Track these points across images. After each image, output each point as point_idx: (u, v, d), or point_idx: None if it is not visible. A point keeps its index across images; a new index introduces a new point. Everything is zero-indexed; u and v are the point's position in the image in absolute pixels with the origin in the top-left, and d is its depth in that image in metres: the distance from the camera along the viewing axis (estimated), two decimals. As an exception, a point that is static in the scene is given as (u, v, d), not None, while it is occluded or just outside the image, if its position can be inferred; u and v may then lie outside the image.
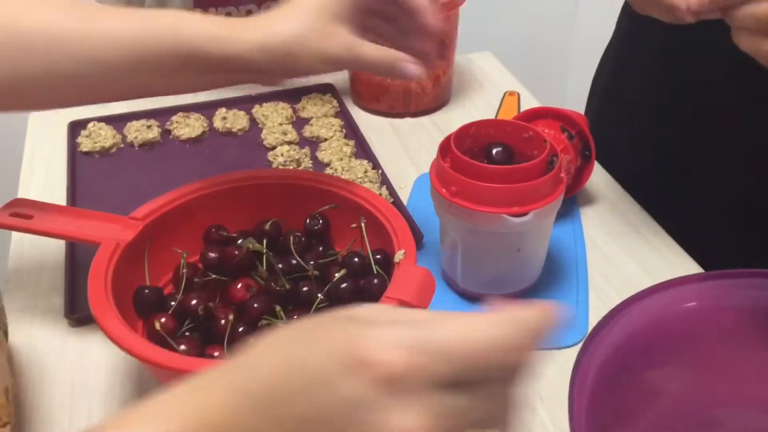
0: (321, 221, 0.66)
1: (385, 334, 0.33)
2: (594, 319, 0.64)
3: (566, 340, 0.64)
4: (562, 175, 0.64)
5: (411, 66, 0.58)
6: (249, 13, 1.06)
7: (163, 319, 0.57)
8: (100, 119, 0.93)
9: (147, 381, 0.61)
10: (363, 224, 0.62)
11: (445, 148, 0.65)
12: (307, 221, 0.66)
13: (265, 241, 0.63)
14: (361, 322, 0.34)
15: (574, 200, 0.80)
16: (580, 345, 0.63)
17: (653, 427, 0.46)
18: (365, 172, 0.83)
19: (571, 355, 0.62)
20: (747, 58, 0.53)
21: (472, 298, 0.68)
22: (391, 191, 0.80)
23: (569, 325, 0.65)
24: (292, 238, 0.63)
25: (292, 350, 0.34)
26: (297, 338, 0.35)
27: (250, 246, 0.61)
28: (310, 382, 0.33)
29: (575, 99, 0.99)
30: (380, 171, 0.83)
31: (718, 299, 0.45)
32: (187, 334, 0.58)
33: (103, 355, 0.63)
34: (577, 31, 1.83)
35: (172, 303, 0.59)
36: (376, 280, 0.58)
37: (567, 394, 0.59)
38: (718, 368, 0.46)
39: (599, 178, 0.84)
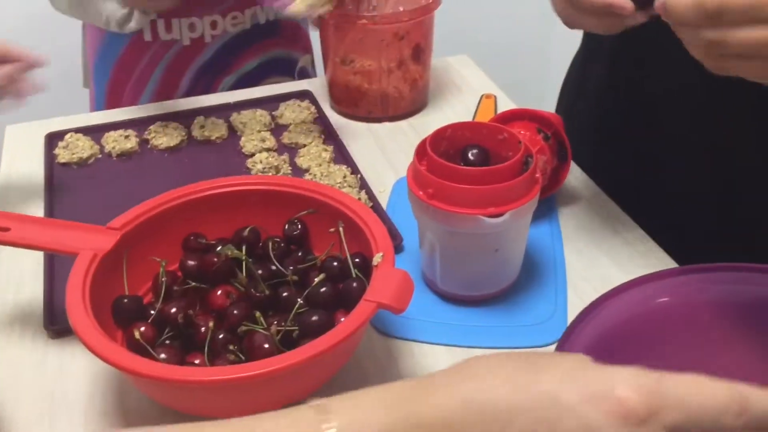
0: (300, 226, 0.66)
1: (627, 372, 0.35)
2: (573, 317, 0.65)
3: (544, 338, 0.64)
4: (537, 175, 0.64)
5: None
6: (213, 23, 1.07)
7: (142, 328, 0.57)
8: (77, 130, 0.93)
9: (128, 391, 0.61)
10: (341, 228, 0.62)
11: (421, 151, 0.65)
12: (286, 227, 0.66)
13: (244, 248, 0.63)
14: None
15: (551, 200, 0.81)
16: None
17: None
18: (344, 177, 0.83)
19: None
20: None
21: (451, 298, 0.68)
22: (371, 195, 0.81)
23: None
24: (271, 244, 0.64)
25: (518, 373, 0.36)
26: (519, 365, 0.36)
27: (229, 253, 0.61)
28: (549, 405, 0.34)
29: (553, 101, 1.00)
30: (359, 176, 0.84)
31: (690, 294, 0.46)
32: (167, 342, 0.58)
33: (83, 366, 0.63)
34: (554, 33, 1.85)
35: (152, 312, 0.59)
36: (355, 284, 0.59)
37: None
38: (692, 362, 0.46)
39: (576, 178, 0.85)
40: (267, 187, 0.66)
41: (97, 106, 1.16)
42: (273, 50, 1.14)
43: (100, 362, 0.62)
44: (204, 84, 1.13)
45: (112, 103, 1.14)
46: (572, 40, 0.92)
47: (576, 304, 0.69)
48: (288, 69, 1.17)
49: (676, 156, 0.80)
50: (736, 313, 0.46)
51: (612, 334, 0.45)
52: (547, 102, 1.03)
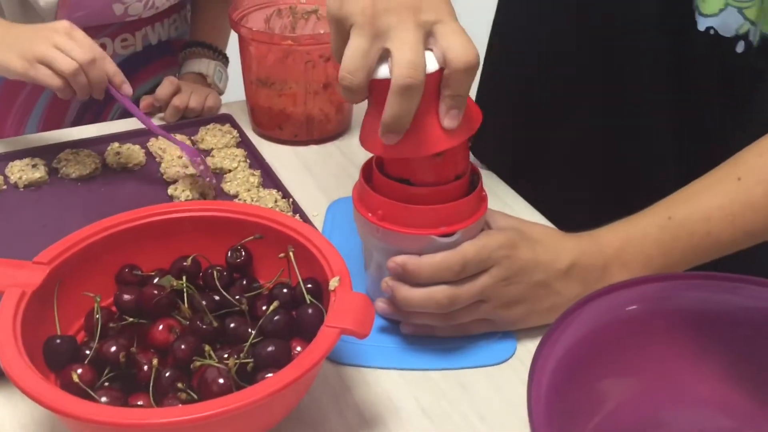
0: (243, 254, 0.63)
1: None
2: (522, 334, 0.65)
3: (498, 356, 0.64)
4: (483, 193, 0.64)
5: None
6: (102, 46, 1.02)
7: (80, 370, 0.52)
8: (-23, 160, 0.86)
9: (61, 440, 0.56)
10: (291, 253, 0.59)
11: (367, 172, 0.64)
12: (229, 254, 0.63)
13: (184, 278, 0.59)
14: None
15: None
16: (511, 360, 0.64)
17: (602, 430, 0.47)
18: (275, 201, 0.81)
19: (504, 371, 0.63)
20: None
21: (399, 321, 0.67)
22: (305, 219, 0.78)
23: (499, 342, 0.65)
24: (215, 273, 0.60)
25: None
26: None
27: (173, 284, 0.57)
28: None
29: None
30: (291, 200, 0.81)
31: (658, 302, 0.46)
32: (106, 384, 0.54)
33: (8, 416, 0.57)
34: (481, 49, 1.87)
35: (87, 352, 0.55)
36: (310, 310, 0.56)
37: (504, 410, 0.59)
38: (661, 370, 0.47)
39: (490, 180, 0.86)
40: (207, 213, 0.63)
41: None
42: (167, 71, 1.10)
43: (27, 411, 0.57)
44: (95, 109, 1.07)
45: None
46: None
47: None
48: None
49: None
50: (704, 319, 0.47)
51: (585, 342, 0.45)
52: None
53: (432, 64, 0.55)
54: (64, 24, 0.82)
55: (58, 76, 0.79)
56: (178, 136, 0.92)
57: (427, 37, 0.54)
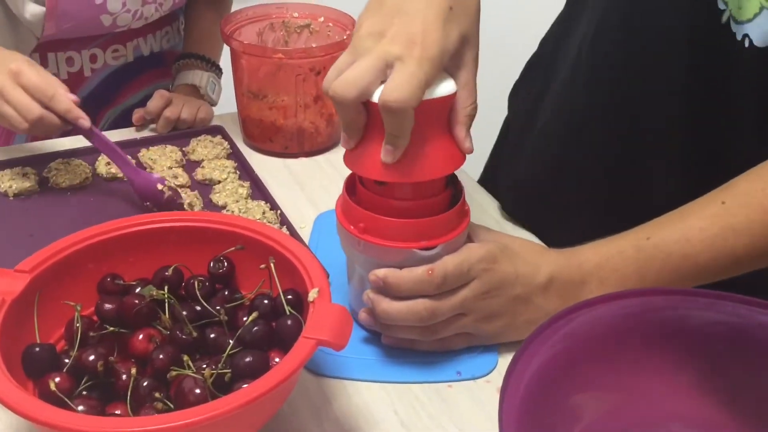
0: (226, 264, 0.63)
1: None
2: (503, 348, 0.65)
3: (481, 369, 0.64)
4: (466, 208, 0.64)
5: None
6: (93, 57, 1.03)
7: (57, 379, 0.52)
8: (-36, 170, 0.86)
9: (39, 448, 0.55)
10: (272, 264, 0.60)
11: (350, 185, 0.64)
12: (211, 265, 0.63)
13: (166, 288, 0.59)
14: None
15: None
16: (493, 374, 0.64)
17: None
18: (263, 213, 0.81)
19: (485, 385, 0.63)
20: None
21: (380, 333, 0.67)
22: (292, 231, 0.79)
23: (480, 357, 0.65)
24: (196, 283, 0.60)
25: None
26: None
27: (153, 293, 0.58)
28: None
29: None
30: (279, 211, 0.81)
31: (634, 317, 0.47)
32: (84, 393, 0.54)
33: (-13, 424, 0.57)
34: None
35: (66, 360, 0.55)
36: (289, 321, 0.56)
37: (484, 424, 0.59)
38: (636, 385, 0.47)
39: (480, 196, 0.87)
40: (189, 224, 0.63)
41: None
42: (159, 82, 1.11)
43: (6, 420, 0.57)
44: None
45: None
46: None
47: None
48: None
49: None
50: (682, 337, 0.47)
51: (558, 360, 0.45)
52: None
53: (445, 88, 0.56)
54: (11, 67, 0.81)
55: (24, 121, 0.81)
56: (169, 147, 0.93)
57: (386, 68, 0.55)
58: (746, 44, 0.63)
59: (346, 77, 0.55)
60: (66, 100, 0.81)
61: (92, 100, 1.05)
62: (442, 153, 0.59)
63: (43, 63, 1.01)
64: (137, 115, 0.98)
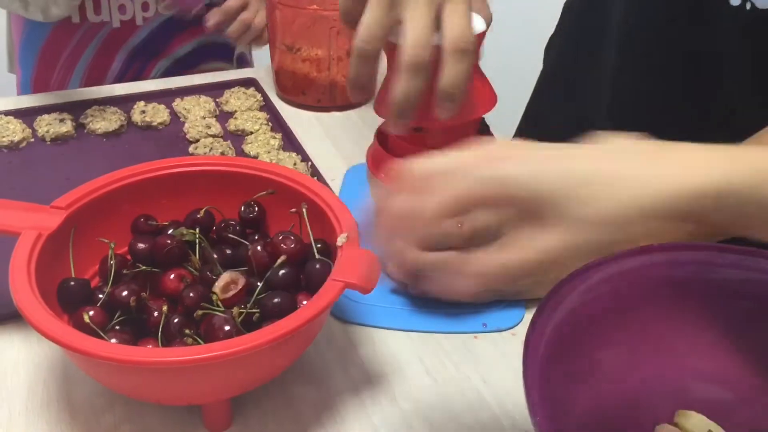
0: (257, 209, 0.64)
1: None
2: (530, 302, 0.65)
3: (505, 323, 0.64)
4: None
5: None
6: (145, 5, 1.04)
7: (91, 312, 0.54)
8: (7, 113, 0.88)
9: (71, 379, 0.57)
10: (304, 209, 0.60)
11: (382, 134, 0.64)
12: (242, 209, 0.64)
13: (197, 230, 0.60)
14: None
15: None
16: (519, 327, 0.64)
17: (595, 395, 0.47)
18: (294, 164, 0.81)
19: (510, 338, 0.63)
20: None
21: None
22: (323, 183, 0.79)
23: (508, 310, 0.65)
24: (227, 226, 0.61)
25: None
26: None
27: (184, 234, 0.58)
28: None
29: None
30: (310, 163, 0.82)
31: (653, 273, 0.46)
32: (117, 327, 0.55)
33: (23, 355, 0.59)
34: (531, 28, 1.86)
35: (100, 296, 0.56)
36: (318, 265, 0.57)
37: (508, 375, 0.59)
38: (657, 342, 0.47)
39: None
40: (222, 168, 0.64)
41: (23, 91, 1.10)
42: (209, 34, 1.11)
43: (40, 351, 0.59)
44: (137, 68, 1.09)
45: (38, 88, 1.09)
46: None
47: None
48: (225, 54, 1.15)
49: None
50: (710, 293, 0.47)
51: (582, 310, 0.45)
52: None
53: (479, 25, 0.55)
54: None
55: None
56: (202, 98, 0.93)
57: (439, 13, 0.54)
58: (747, 7, 0.62)
59: (412, 40, 0.53)
60: None
61: (142, 49, 1.07)
62: (477, 93, 0.58)
63: (97, 10, 1.03)
64: (213, 20, 1.00)
